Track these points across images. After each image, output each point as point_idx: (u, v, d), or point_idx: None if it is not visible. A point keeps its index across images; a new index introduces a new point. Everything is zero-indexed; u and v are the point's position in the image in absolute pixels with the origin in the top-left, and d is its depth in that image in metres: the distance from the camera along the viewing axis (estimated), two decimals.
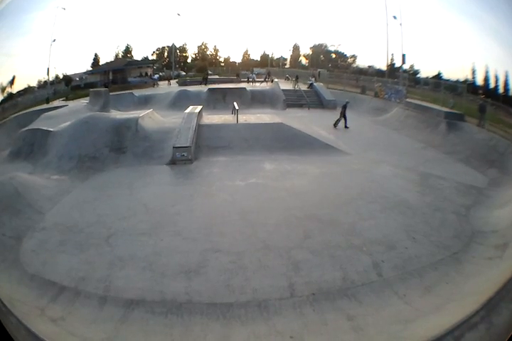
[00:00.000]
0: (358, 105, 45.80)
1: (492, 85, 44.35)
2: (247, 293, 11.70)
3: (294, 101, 48.01)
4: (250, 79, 61.37)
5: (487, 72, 44.49)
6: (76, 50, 46.99)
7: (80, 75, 50.65)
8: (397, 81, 50.70)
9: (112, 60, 55.75)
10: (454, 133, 31.74)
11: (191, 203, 17.70)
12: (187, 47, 67.13)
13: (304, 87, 52.66)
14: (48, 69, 43.38)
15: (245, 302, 11.34)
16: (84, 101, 40.19)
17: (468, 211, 18.25)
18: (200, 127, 27.98)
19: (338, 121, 35.98)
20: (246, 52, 71.59)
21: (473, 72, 45.59)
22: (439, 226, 16.45)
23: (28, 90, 41.13)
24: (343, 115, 35.63)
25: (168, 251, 13.73)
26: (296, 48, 71.06)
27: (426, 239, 15.01)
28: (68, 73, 47.63)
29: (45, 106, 40.19)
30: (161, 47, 64.18)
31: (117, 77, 54.39)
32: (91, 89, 41.78)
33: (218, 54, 70.55)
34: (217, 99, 45.99)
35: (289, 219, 16.18)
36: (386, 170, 23.10)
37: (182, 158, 23.57)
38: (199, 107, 33.52)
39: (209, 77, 61.99)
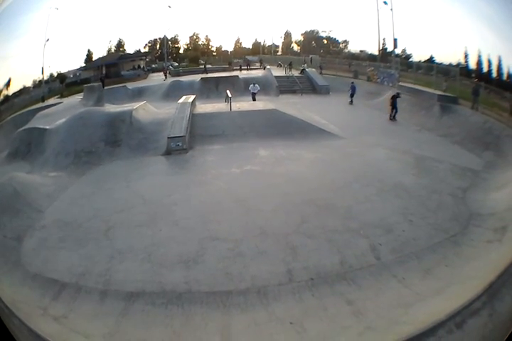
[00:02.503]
0: (338, 87, 46.03)
1: (485, 69, 44.43)
2: (245, 280, 11.76)
3: (287, 87, 48.02)
4: (243, 67, 60.51)
5: (480, 56, 44.42)
6: (69, 48, 46.96)
7: (74, 72, 50.58)
8: (390, 65, 50.41)
9: (105, 54, 55.89)
10: (448, 116, 31.74)
11: (187, 192, 17.69)
12: (179, 38, 67.02)
13: (296, 73, 52.61)
14: (43, 68, 43.36)
15: (244, 290, 11.41)
16: (78, 97, 40.02)
17: (465, 193, 18.24)
18: (193, 116, 27.97)
19: (394, 113, 34.59)
20: (238, 41, 71.22)
21: (466, 56, 45.43)
22: (436, 209, 16.51)
23: (24, 91, 41.01)
24: (394, 106, 34.23)
25: (166, 242, 13.76)
26: (287, 35, 70.69)
27: (423, 222, 14.98)
28: (62, 71, 47.61)
29: (40, 104, 40.26)
30: (153, 39, 64.35)
31: (110, 71, 54.21)
32: (85, 85, 41.64)
33: (210, 43, 70.29)
34: (210, 88, 45.95)
35: (285, 204, 16.22)
36: (381, 154, 23.09)
37: (177, 148, 23.55)
38: (192, 97, 33.56)
39: (201, 66, 61.45)
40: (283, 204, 16.25)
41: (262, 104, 32.61)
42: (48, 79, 44.53)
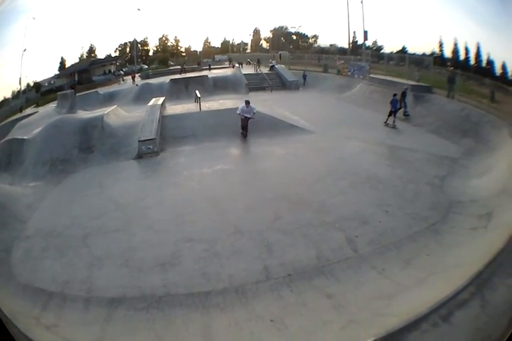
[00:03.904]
0: (321, 83, 46.78)
1: (462, 57, 44.71)
2: (223, 280, 11.69)
3: (256, 84, 48.34)
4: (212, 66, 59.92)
5: (456, 44, 44.73)
6: (44, 56, 46.90)
7: (49, 80, 50.45)
8: (360, 58, 50.48)
9: (77, 61, 55.74)
10: (422, 106, 31.93)
11: (160, 195, 17.69)
12: (148, 40, 66.90)
13: (266, 70, 52.98)
14: (20, 78, 43.37)
15: (222, 290, 11.35)
16: (53, 105, 39.93)
17: (443, 181, 18.39)
18: (163, 118, 27.90)
19: (405, 110, 32.89)
20: (206, 40, 71.03)
21: (441, 45, 45.82)
22: (413, 198, 16.76)
23: (4, 102, 41.04)
24: (403, 102, 32.74)
25: (142, 246, 13.72)
26: (256, 32, 70.49)
27: (400, 212, 15.04)
28: (38, 80, 47.51)
29: (18, 115, 40.21)
30: (123, 43, 64.15)
31: (83, 77, 54.05)
32: (58, 93, 41.41)
33: (179, 44, 70.13)
34: (180, 89, 45.55)
35: (259, 201, 16.30)
36: (354, 146, 23.22)
37: (148, 151, 23.53)
38: (161, 99, 33.45)
39: (170, 68, 61.94)
40: (256, 201, 16.35)
41: (231, 102, 32.16)
42: (25, 89, 44.50)
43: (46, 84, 49.58)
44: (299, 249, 12.96)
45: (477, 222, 14.70)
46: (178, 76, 51.94)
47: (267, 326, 9.90)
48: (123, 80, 53.57)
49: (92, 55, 56.87)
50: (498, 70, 38.25)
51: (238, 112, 26.13)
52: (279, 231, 14.06)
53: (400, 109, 31.27)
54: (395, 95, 28.65)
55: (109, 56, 60.15)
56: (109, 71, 57.30)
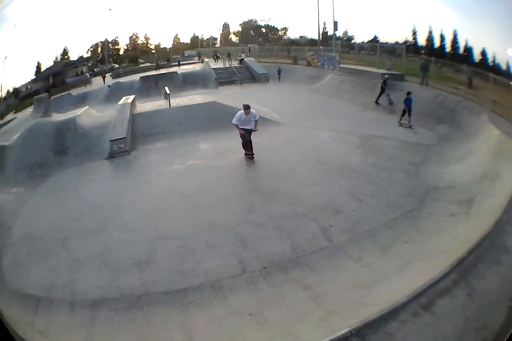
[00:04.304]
0: (291, 75, 47.17)
1: (437, 45, 44.91)
2: (199, 276, 11.67)
3: (225, 78, 48.58)
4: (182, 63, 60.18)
5: (431, 32, 44.92)
6: (22, 62, 46.93)
7: (26, 85, 50.36)
8: (330, 48, 50.69)
9: (52, 64, 55.63)
10: (394, 94, 31.85)
11: (133, 194, 17.62)
12: (119, 39, 66.69)
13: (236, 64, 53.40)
14: (1, 86, 43.36)
15: (199, 286, 11.32)
16: (30, 110, 40.06)
17: (418, 168, 18.57)
18: (134, 117, 27.87)
19: (388, 97, 33.21)
20: (176, 37, 70.86)
21: (414, 33, 46.06)
22: (387, 186, 16.92)
23: None
24: (383, 90, 33.32)
25: (118, 246, 13.66)
26: (225, 27, 70.55)
27: (374, 200, 15.14)
28: (17, 86, 47.45)
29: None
30: (95, 43, 63.98)
31: (57, 80, 54.01)
32: (34, 97, 41.48)
33: (149, 42, 69.95)
34: (150, 87, 45.69)
35: (231, 195, 16.38)
36: (325, 136, 23.32)
37: (120, 150, 23.47)
38: (131, 97, 33.41)
39: (141, 65, 62.31)
40: (228, 195, 16.39)
41: (200, 97, 32.54)
42: (6, 96, 44.46)
43: (24, 90, 49.55)
44: (274, 241, 12.99)
45: (457, 208, 14.75)
46: (149, 73, 52.36)
47: (246, 320, 9.84)
48: (89, 83, 53.44)
49: (66, 57, 56.73)
50: (477, 57, 38.57)
51: (234, 123, 19.88)
52: (252, 224, 14.08)
53: (381, 94, 32.19)
54: (408, 93, 27.32)
55: (81, 57, 60.05)
56: (81, 72, 57.21)
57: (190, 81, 47.29)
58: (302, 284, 10.89)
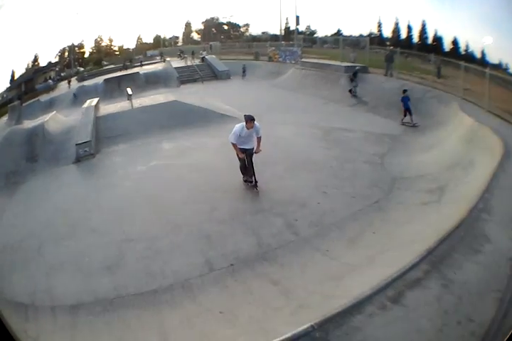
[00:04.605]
0: (252, 71, 47.32)
1: (404, 35, 45.23)
2: (168, 277, 11.67)
3: (187, 77, 48.85)
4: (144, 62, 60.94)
5: (397, 23, 45.27)
6: None
7: (2, 94, 50.34)
8: (292, 43, 51.27)
9: (24, 71, 55.67)
10: (359, 86, 32.22)
11: (99, 197, 17.59)
12: (84, 43, 66.60)
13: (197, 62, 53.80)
14: None
15: (169, 286, 11.31)
16: (4, 119, 40.14)
17: (383, 159, 18.70)
18: (98, 119, 27.85)
19: (354, 90, 33.29)
20: (139, 37, 70.85)
21: (380, 25, 46.40)
22: (352, 178, 17.02)
23: None
24: (355, 82, 33.14)
25: (89, 250, 13.59)
26: (188, 25, 70.62)
27: (339, 192, 15.20)
28: None
29: None
30: (62, 48, 63.83)
31: (28, 86, 54.03)
32: (9, 105, 41.56)
33: (113, 44, 69.81)
34: (114, 88, 45.65)
35: (194, 194, 16.38)
36: (287, 131, 23.46)
37: (85, 154, 23.35)
38: (95, 100, 33.48)
39: (105, 67, 62.22)
40: (191, 194, 16.42)
41: (162, 96, 32.52)
42: None
43: (0, 98, 49.53)
44: (239, 238, 13.02)
45: (428, 197, 14.81)
46: (113, 75, 52.51)
47: (217, 318, 9.78)
48: (53, 89, 53.33)
49: (36, 63, 56.54)
50: (447, 46, 38.90)
51: (232, 141, 15.82)
52: (216, 222, 14.11)
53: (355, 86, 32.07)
54: (404, 91, 26.85)
55: (49, 63, 59.89)
56: (50, 77, 57.10)
57: (153, 81, 47.56)
58: (270, 279, 10.85)
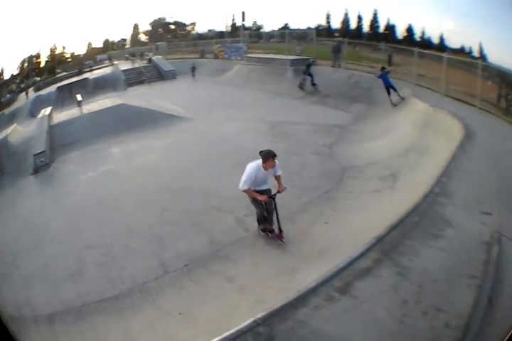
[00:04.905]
0: (198, 69, 47.16)
1: (354, 26, 45.55)
2: (126, 282, 11.82)
3: (135, 79, 48.72)
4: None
5: (346, 14, 45.58)
6: None
7: None
8: (238, 39, 51.73)
9: None
10: (304, 78, 32.35)
11: (56, 207, 17.75)
12: (41, 52, 66.19)
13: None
14: None
15: (128, 291, 11.47)
16: None
17: (331, 149, 18.97)
18: (51, 128, 27.95)
19: (302, 82, 33.40)
20: (89, 43, 70.51)
21: (328, 17, 46.65)
22: (300, 170, 17.22)
23: None
24: (309, 74, 32.89)
25: (52, 260, 13.75)
26: (135, 27, 70.34)
27: (288, 185, 14.12)
28: None
29: None
30: (22, 59, 63.55)
31: None
32: None
33: (65, 51, 69.34)
34: (66, 96, 45.13)
35: (144, 197, 16.58)
36: (233, 127, 23.79)
37: (42, 164, 23.41)
38: (48, 109, 34.03)
39: (58, 75, 61.37)
40: (142, 197, 16.61)
41: (110, 101, 32.69)
42: None
43: None
44: (191, 238, 13.21)
45: (381, 184, 15.18)
46: (65, 82, 52.62)
47: (177, 320, 9.92)
48: (13, 101, 53.26)
49: (1, 77, 56.25)
50: (401, 34, 39.35)
51: (244, 188, 12.00)
52: (168, 223, 14.31)
53: (312, 78, 31.95)
54: (383, 68, 27.03)
55: (12, 75, 59.63)
56: (11, 90, 56.96)
57: (101, 85, 47.43)
58: (225, 277, 11.01)
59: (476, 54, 31.99)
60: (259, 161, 11.95)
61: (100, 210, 16.26)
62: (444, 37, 36.31)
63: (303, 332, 6.84)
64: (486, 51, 31.33)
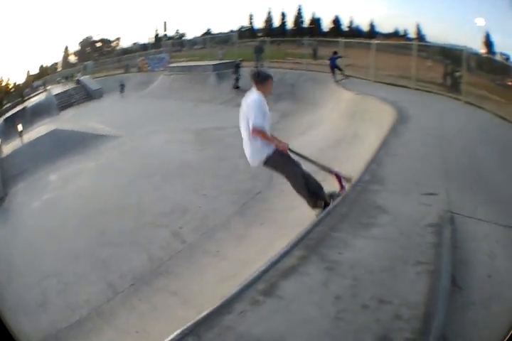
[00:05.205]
0: (114, 87, 47.83)
1: (277, 24, 46.30)
2: (83, 307, 12.16)
3: (66, 102, 49.31)
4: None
5: (269, 12, 46.35)
6: None
7: None
8: (161, 50, 52.52)
9: None
10: (226, 82, 34.44)
11: (12, 242, 18.15)
12: None
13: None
14: None
15: (87, 315, 11.81)
16: None
17: None
18: (1, 162, 29.25)
19: (236, 82, 34.99)
20: (28, 72, 70.03)
21: (251, 17, 47.34)
22: (230, 175, 17.73)
23: None
24: (238, 75, 34.65)
25: (23, 292, 14.18)
26: (65, 49, 70.03)
27: (218, 191, 15.93)
28: None
29: None
30: None
31: None
32: None
33: (9, 82, 68.74)
34: (10, 127, 43.58)
35: (83, 221, 16.93)
36: (159, 139, 24.81)
37: None
38: None
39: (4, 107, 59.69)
40: (79, 221, 17.00)
41: (44, 127, 34.31)
42: None
43: None
44: (131, 257, 13.58)
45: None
46: (10, 113, 51.92)
47: (135, 339, 10.35)
48: None
49: None
50: (327, 26, 40.25)
51: (259, 124, 9.98)
52: (108, 245, 14.69)
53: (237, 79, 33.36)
54: (335, 53, 28.75)
55: None
56: None
57: (38, 112, 47.63)
58: (169, 292, 11.40)
59: (412, 35, 32.98)
60: (254, 91, 10.37)
61: (47, 238, 16.76)
62: (375, 23, 37.28)
63: (230, 339, 6.24)
64: (424, 31, 32.36)
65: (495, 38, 30.83)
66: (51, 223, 17.84)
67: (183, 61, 47.07)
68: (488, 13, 30.11)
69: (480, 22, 32.65)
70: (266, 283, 7.03)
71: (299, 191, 10.81)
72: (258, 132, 9.63)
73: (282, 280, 7.02)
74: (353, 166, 13.49)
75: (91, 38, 68.25)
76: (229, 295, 6.95)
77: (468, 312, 6.14)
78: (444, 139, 14.39)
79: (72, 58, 70.93)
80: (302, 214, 12.06)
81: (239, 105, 26.52)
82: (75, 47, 70.80)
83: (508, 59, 29.18)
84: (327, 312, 6.20)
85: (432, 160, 12.46)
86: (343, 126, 19.42)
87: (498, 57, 30.39)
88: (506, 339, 5.26)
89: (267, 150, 10.14)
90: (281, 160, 10.37)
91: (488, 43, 31.54)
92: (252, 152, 10.24)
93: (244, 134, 10.24)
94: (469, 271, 7.19)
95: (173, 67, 45.15)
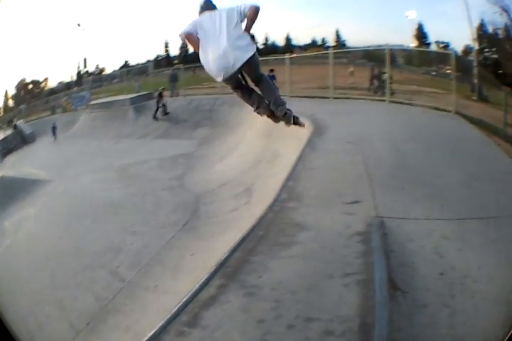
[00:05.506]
0: (48, 129, 45.08)
1: (192, 50, 46.44)
2: None
3: (5, 149, 46.32)
4: None
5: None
6: None
7: None
8: (83, 87, 51.04)
9: None
10: (144, 115, 33.51)
11: None
12: None
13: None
14: None
15: None
16: None
17: (182, 180, 19.66)
18: None
19: (164, 108, 33.72)
20: None
21: (166, 45, 47.17)
22: (155, 209, 17.40)
23: None
24: (159, 103, 33.72)
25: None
26: (5, 93, 68.56)
27: (147, 227, 15.54)
28: None
29: None
30: None
31: None
32: None
33: None
34: None
35: (35, 266, 16.49)
36: (86, 180, 23.79)
37: None
38: None
39: None
40: (32, 270, 16.28)
41: None
42: None
43: None
44: (80, 299, 13.30)
45: (236, 203, 15.20)
46: None
47: None
48: None
49: None
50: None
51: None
52: (59, 288, 14.39)
53: (157, 108, 32.68)
54: (271, 70, 26.23)
55: None
56: None
57: None
58: (122, 329, 11.08)
59: (332, 43, 33.16)
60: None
61: (11, 286, 15.53)
62: (291, 36, 37.43)
63: None
64: (345, 37, 32.61)
65: (429, 28, 31.30)
66: (11, 271, 16.90)
67: (102, 97, 45.62)
68: (417, 2, 30.87)
69: (411, 14, 32.92)
70: (189, 314, 7.21)
71: (273, 92, 9.68)
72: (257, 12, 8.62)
73: (204, 311, 7.13)
74: (273, 185, 13.27)
75: (24, 80, 67.11)
76: (155, 329, 7.24)
77: (418, 315, 6.16)
78: (365, 144, 14.54)
79: (11, 102, 69.80)
80: (229, 240, 11.47)
81: (158, 137, 25.86)
82: (12, 90, 69.81)
83: (447, 46, 29.59)
84: (251, 337, 6.27)
85: (354, 168, 12.62)
86: (262, 145, 19.22)
87: (434, 47, 30.93)
88: (506, 339, 5.27)
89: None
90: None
91: (421, 35, 31.48)
92: (246, 45, 8.85)
93: (221, 41, 8.70)
94: (415, 272, 7.28)
95: (94, 104, 43.13)
